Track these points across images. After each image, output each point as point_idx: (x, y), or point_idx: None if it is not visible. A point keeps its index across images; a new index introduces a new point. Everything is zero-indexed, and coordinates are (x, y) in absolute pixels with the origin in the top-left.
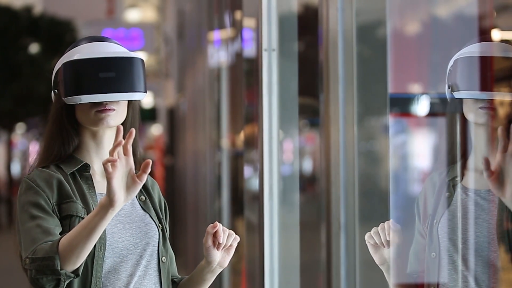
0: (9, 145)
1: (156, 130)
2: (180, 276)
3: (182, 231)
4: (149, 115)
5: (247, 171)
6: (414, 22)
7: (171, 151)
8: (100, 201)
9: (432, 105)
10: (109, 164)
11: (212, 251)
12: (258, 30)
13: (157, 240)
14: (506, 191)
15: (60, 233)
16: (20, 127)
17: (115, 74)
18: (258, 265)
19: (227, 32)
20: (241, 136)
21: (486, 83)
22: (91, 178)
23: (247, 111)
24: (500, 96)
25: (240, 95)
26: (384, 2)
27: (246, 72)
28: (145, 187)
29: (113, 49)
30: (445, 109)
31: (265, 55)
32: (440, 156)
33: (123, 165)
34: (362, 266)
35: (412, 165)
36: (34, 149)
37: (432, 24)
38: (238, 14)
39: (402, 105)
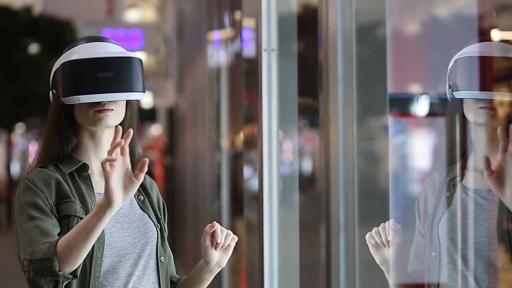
0: (9, 145)
1: (156, 130)
2: (178, 276)
3: (181, 231)
4: (148, 115)
5: (247, 171)
6: (413, 22)
7: (170, 151)
8: (98, 202)
9: (431, 105)
10: (108, 163)
11: (210, 251)
12: (257, 30)
13: (156, 240)
14: (506, 191)
15: (59, 234)
16: (19, 127)
17: (113, 74)
18: (258, 265)
19: (227, 32)
20: (241, 136)
21: (486, 83)
22: (90, 178)
23: (247, 111)
24: (500, 96)
25: (239, 95)
26: (383, 2)
27: (245, 72)
28: (143, 187)
29: (111, 49)
30: (445, 109)
31: (264, 55)
32: (440, 156)
33: (120, 165)
34: (362, 266)
35: (411, 165)
36: (33, 149)
37: (431, 24)
38: (237, 14)
39: (401, 105)
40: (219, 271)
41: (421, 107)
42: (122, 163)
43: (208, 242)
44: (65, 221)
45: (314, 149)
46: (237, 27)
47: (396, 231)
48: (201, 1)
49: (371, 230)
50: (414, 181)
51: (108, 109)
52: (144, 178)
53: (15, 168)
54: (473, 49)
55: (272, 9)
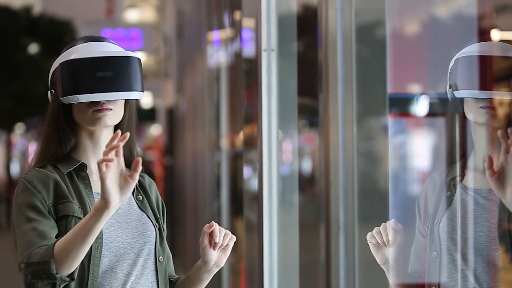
0: (9, 145)
1: (155, 130)
2: (177, 276)
3: (181, 231)
4: (148, 115)
5: (247, 171)
6: (413, 22)
7: (170, 152)
8: (95, 204)
9: (431, 105)
10: (104, 164)
11: (208, 250)
12: (257, 30)
13: (154, 240)
14: (507, 192)
15: (57, 235)
16: (19, 127)
17: (112, 73)
18: (258, 265)
19: (227, 32)
20: (241, 136)
21: (487, 83)
22: (88, 177)
23: (247, 111)
24: (501, 95)
25: (239, 95)
26: (383, 3)
27: (245, 72)
28: (142, 186)
29: (110, 49)
30: (446, 108)
31: (264, 55)
32: (441, 155)
33: (115, 166)
34: (361, 266)
35: (411, 165)
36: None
37: (431, 24)
38: (237, 14)
39: (401, 105)
40: (219, 271)
41: (420, 107)
42: (117, 164)
43: (206, 242)
44: (63, 222)
45: (314, 149)
46: (236, 27)
47: (397, 231)
48: (200, 1)
49: (370, 230)
50: (413, 181)
51: (107, 109)
52: (143, 177)
53: (15, 168)
54: (474, 49)
55: (272, 9)
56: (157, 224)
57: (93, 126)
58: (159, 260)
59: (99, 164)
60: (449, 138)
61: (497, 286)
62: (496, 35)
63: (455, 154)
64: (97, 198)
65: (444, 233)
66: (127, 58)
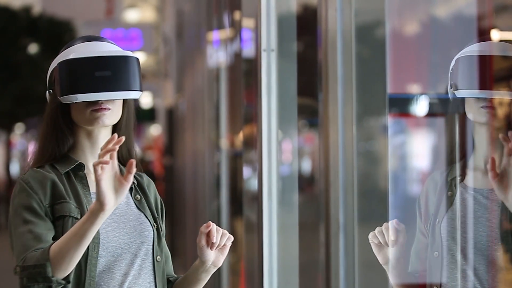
0: (8, 146)
1: (155, 130)
2: (175, 276)
3: (181, 231)
4: (148, 116)
5: (246, 171)
6: (413, 22)
7: (170, 152)
8: (90, 207)
9: (430, 105)
10: (99, 166)
11: (206, 250)
12: (257, 30)
13: (152, 240)
14: (509, 194)
15: (54, 235)
16: (19, 128)
17: (110, 73)
18: (257, 265)
19: (226, 33)
20: (240, 136)
21: (487, 82)
22: (86, 177)
23: (246, 111)
24: (501, 95)
25: (239, 96)
26: (382, 3)
27: (245, 73)
28: (140, 186)
29: (108, 48)
30: (446, 108)
31: (264, 56)
32: (441, 155)
33: (110, 168)
34: (361, 266)
35: (411, 165)
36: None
37: (431, 24)
38: (237, 15)
39: (401, 105)
40: (218, 272)
41: (420, 107)
42: (111, 166)
43: (203, 241)
44: (60, 222)
45: (314, 149)
46: (236, 27)
47: (399, 231)
48: (200, 1)
49: (370, 230)
50: (413, 181)
51: (105, 108)
52: (142, 177)
53: (15, 168)
54: (474, 48)
55: (272, 9)
56: (155, 224)
57: (91, 125)
58: (156, 260)
59: (94, 166)
60: (449, 137)
61: (498, 286)
62: (496, 35)
63: (455, 154)
64: (94, 198)
65: (445, 233)
66: (126, 57)
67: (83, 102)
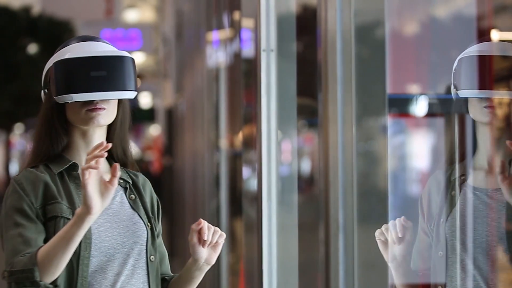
0: (8, 146)
1: (155, 130)
2: (172, 274)
3: (180, 231)
4: (147, 116)
5: (246, 171)
6: (412, 22)
7: (169, 152)
8: (77, 211)
9: (430, 105)
10: (88, 170)
11: (197, 248)
12: (256, 30)
13: (145, 239)
14: None
15: (45, 236)
16: (18, 128)
17: (106, 73)
18: (257, 266)
19: (226, 33)
20: (240, 136)
21: (490, 82)
22: (79, 177)
23: (246, 112)
24: (504, 95)
25: (238, 96)
26: (382, 3)
27: (244, 73)
28: (135, 186)
29: (103, 48)
30: (446, 108)
31: (263, 56)
32: (443, 155)
33: (96, 172)
34: (361, 266)
35: (410, 166)
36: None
37: (430, 24)
38: (236, 15)
39: (400, 105)
40: (218, 272)
41: (420, 107)
42: (97, 170)
43: (195, 239)
44: (52, 223)
45: (313, 149)
46: (236, 27)
47: (407, 228)
48: (200, 1)
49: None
50: (413, 181)
51: (100, 108)
52: (137, 176)
53: (14, 168)
54: (477, 49)
55: (271, 10)
56: (149, 223)
57: (86, 125)
58: (150, 260)
59: (83, 170)
60: (452, 137)
61: (504, 286)
62: (495, 35)
63: (459, 153)
64: None
65: (450, 233)
66: (121, 57)
67: (78, 102)
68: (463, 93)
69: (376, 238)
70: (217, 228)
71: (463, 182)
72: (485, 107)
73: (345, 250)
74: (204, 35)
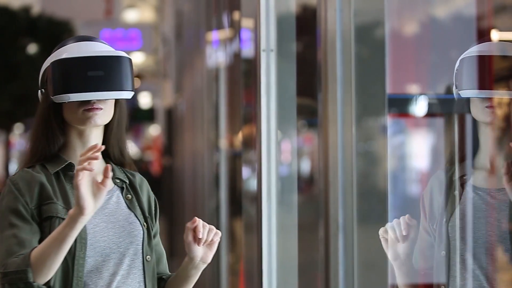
0: (7, 146)
1: (154, 130)
2: (170, 273)
3: (180, 231)
4: (147, 116)
5: (245, 171)
6: (412, 22)
7: (169, 152)
8: (69, 212)
9: (430, 105)
10: (83, 171)
11: (193, 246)
12: (256, 30)
13: (141, 239)
14: None
15: (41, 236)
16: (18, 128)
17: (103, 73)
18: (256, 266)
19: (225, 33)
20: (239, 136)
21: (492, 82)
22: None
23: (245, 112)
24: (506, 95)
25: (238, 96)
26: (382, 3)
27: (244, 73)
28: (132, 185)
29: (100, 48)
30: (446, 108)
31: (263, 56)
32: (444, 154)
33: (88, 173)
34: (360, 266)
35: (410, 166)
36: None
37: (430, 24)
38: (236, 15)
39: (400, 105)
40: (217, 272)
41: (419, 107)
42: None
43: (190, 238)
44: (47, 223)
45: (313, 149)
46: (235, 27)
47: (411, 226)
48: (199, 1)
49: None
50: (412, 181)
51: (97, 108)
52: (134, 176)
53: (14, 168)
54: (478, 49)
55: (271, 10)
56: (145, 223)
57: (83, 125)
58: (146, 260)
59: (78, 171)
60: (454, 137)
61: (507, 286)
62: (495, 35)
63: (460, 153)
64: None
65: (453, 232)
66: (118, 57)
67: (75, 101)
68: (465, 93)
69: (380, 236)
70: (212, 226)
71: (465, 182)
72: (487, 107)
73: (344, 250)
74: (204, 35)
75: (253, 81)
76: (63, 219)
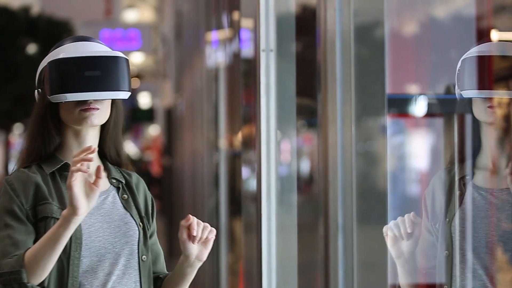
0: (7, 146)
1: (154, 130)
2: (167, 272)
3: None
4: (146, 116)
5: (245, 171)
6: (411, 23)
7: (168, 152)
8: (63, 213)
9: (429, 105)
10: (78, 172)
11: (188, 244)
12: (256, 30)
13: (137, 239)
14: None
15: (36, 237)
16: (18, 128)
17: (100, 73)
18: (256, 266)
19: (225, 33)
20: (239, 136)
21: (494, 82)
22: None
23: (245, 112)
24: (508, 94)
25: (237, 96)
26: (382, 3)
27: (244, 73)
28: (128, 185)
29: (97, 49)
30: (447, 108)
31: (263, 56)
32: (444, 154)
33: (81, 174)
34: (360, 266)
35: (409, 166)
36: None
37: (429, 25)
38: (236, 15)
39: (399, 105)
40: (217, 272)
41: (419, 107)
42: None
43: (185, 235)
44: (42, 223)
45: (312, 149)
46: (235, 27)
47: (416, 224)
48: (199, 1)
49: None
50: (412, 181)
51: (93, 108)
52: (130, 176)
53: (13, 168)
54: (480, 49)
55: (270, 10)
56: (141, 223)
57: (79, 125)
58: (142, 260)
59: (73, 172)
60: (456, 137)
61: (510, 285)
62: (495, 35)
63: (463, 153)
64: None
65: (456, 232)
66: (115, 58)
67: (72, 101)
68: (466, 94)
69: (384, 234)
70: (207, 224)
71: (467, 182)
72: (489, 107)
73: (344, 250)
74: (204, 35)
75: (252, 81)
76: (58, 219)
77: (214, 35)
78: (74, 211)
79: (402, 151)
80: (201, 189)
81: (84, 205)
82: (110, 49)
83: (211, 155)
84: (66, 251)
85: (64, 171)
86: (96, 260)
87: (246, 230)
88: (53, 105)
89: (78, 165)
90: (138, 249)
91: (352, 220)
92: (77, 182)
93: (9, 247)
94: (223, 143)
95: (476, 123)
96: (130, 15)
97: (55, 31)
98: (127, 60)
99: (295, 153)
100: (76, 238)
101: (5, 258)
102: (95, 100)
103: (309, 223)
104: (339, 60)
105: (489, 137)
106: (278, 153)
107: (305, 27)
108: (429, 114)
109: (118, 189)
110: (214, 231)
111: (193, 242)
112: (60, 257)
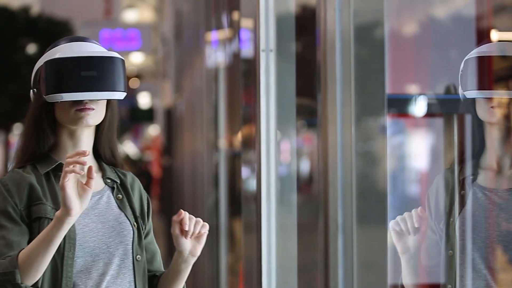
0: (7, 146)
1: (154, 130)
2: (163, 270)
3: None
4: (146, 116)
5: (245, 171)
6: (411, 23)
7: (168, 152)
8: (56, 214)
9: (429, 105)
10: (72, 174)
11: (180, 240)
12: (255, 30)
13: (131, 239)
14: None
15: (30, 237)
16: (17, 128)
17: (96, 73)
18: (256, 266)
19: (225, 33)
20: (239, 136)
21: (496, 82)
22: None
23: (245, 112)
24: (511, 94)
25: (237, 96)
26: (381, 3)
27: (243, 73)
28: (123, 185)
29: (93, 49)
30: (447, 109)
31: (262, 56)
32: (452, 154)
33: (74, 175)
34: (360, 266)
35: (409, 166)
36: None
37: (429, 25)
38: (235, 15)
39: (399, 105)
40: (217, 272)
41: (419, 107)
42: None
43: (177, 231)
44: (36, 224)
45: (312, 149)
46: (235, 27)
47: (423, 219)
48: (199, 1)
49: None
50: (412, 181)
51: (89, 108)
52: (125, 175)
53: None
54: (482, 50)
55: (270, 10)
56: (135, 223)
57: (75, 125)
58: (136, 260)
59: (67, 173)
60: (460, 137)
61: None
62: (495, 35)
63: (466, 153)
64: None
65: (460, 232)
66: (111, 58)
67: (67, 101)
68: (470, 94)
69: (391, 229)
70: (199, 219)
71: (471, 182)
72: (492, 107)
73: (344, 250)
74: (203, 35)
75: (252, 81)
76: (52, 219)
77: (214, 35)
78: (67, 211)
79: (402, 151)
80: (201, 189)
81: (77, 205)
82: (106, 50)
83: (211, 155)
84: (60, 251)
85: (59, 171)
86: (90, 260)
87: (246, 230)
88: (49, 105)
89: (71, 166)
90: (133, 249)
91: (352, 220)
92: (70, 183)
93: (3, 248)
94: (223, 143)
95: (479, 124)
96: (130, 15)
97: (55, 31)
98: (123, 61)
99: (295, 153)
100: (70, 238)
101: None
102: (91, 100)
103: (309, 223)
104: (339, 60)
105: (493, 137)
106: (278, 153)
107: (305, 27)
108: (429, 114)
109: (112, 189)
110: (207, 225)
111: (185, 237)
112: (54, 258)
